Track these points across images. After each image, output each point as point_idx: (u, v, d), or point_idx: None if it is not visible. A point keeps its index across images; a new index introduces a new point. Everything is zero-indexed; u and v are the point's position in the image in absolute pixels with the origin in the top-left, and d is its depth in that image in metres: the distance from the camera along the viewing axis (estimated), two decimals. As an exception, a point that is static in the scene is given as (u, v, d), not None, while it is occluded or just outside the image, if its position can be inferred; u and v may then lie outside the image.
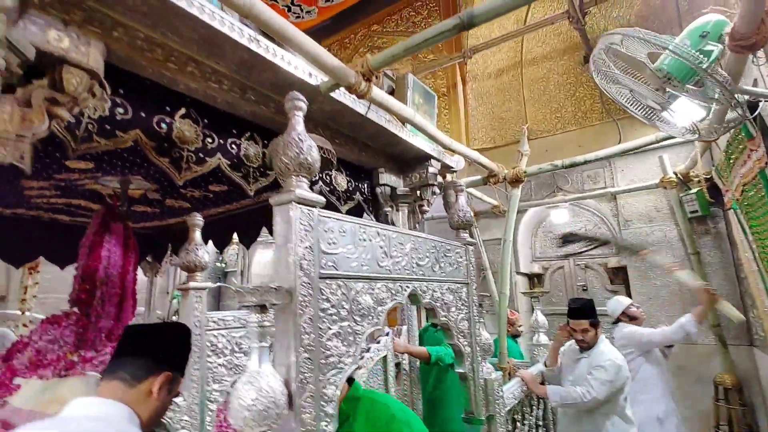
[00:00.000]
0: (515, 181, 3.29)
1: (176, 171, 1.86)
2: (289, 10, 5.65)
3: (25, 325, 4.31)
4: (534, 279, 5.35)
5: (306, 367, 1.04)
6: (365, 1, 6.12)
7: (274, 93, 2.11)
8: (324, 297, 1.16)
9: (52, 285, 5.68)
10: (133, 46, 1.59)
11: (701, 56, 1.70)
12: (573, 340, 2.88)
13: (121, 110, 1.69)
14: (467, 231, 2.14)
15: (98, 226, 3.19)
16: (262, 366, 0.97)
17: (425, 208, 3.19)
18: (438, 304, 1.73)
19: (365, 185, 3.11)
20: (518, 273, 5.20)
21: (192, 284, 1.89)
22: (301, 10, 5.72)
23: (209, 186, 3.02)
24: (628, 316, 3.41)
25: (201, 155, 1.96)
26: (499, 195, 4.95)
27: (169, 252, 4.61)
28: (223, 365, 1.85)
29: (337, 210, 2.98)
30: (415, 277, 1.60)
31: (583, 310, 2.83)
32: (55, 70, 1.38)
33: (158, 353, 1.09)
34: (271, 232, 3.66)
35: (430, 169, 3.10)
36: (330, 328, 1.17)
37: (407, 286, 1.54)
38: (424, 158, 3.12)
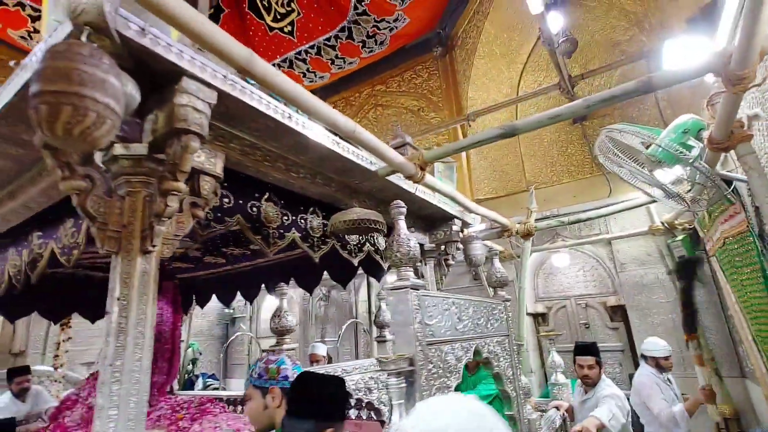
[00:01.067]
0: (527, 235, 3.72)
1: (266, 246, 2.20)
2: (304, 76, 6.20)
3: (58, 381, 4.39)
4: (539, 318, 5.70)
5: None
6: (370, 65, 6.75)
7: (337, 176, 2.52)
8: (429, 360, 1.50)
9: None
10: (241, 152, 1.98)
11: (685, 150, 2.18)
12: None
13: (226, 200, 2.05)
14: (503, 289, 2.51)
15: (151, 285, 3.44)
16: (402, 420, 1.29)
17: (450, 261, 3.56)
18: (492, 356, 2.07)
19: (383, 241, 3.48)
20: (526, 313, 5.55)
21: (285, 347, 2.19)
22: (315, 76, 6.29)
23: (249, 245, 3.35)
24: (654, 361, 3.39)
25: (281, 231, 2.32)
26: (503, 242, 5.38)
27: (194, 304, 4.84)
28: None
29: (381, 267, 3.33)
30: (477, 335, 1.95)
31: (589, 348, 3.18)
32: (194, 179, 1.74)
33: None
34: (298, 283, 3.96)
35: (454, 228, 3.50)
36: (434, 385, 1.50)
37: (472, 344, 1.89)
38: (448, 218, 3.53)
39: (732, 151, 2.07)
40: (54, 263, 2.38)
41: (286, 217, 2.39)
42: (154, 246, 1.46)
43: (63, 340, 4.53)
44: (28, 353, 5.65)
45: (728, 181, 2.45)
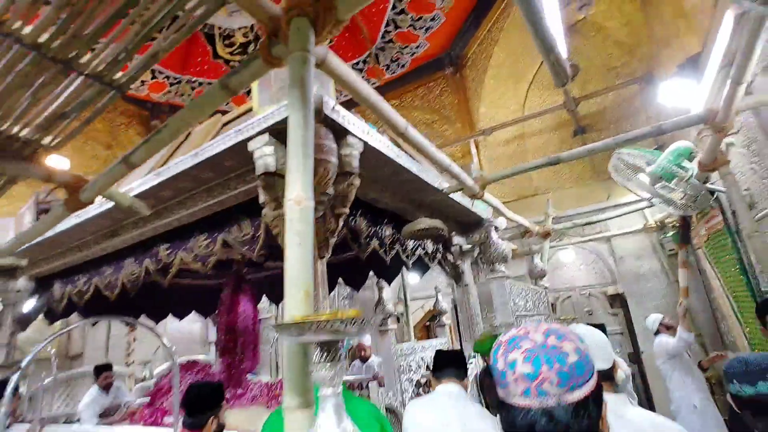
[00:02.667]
0: (546, 235, 4.42)
1: (360, 251, 2.82)
2: None
3: (131, 376, 4.90)
4: (549, 307, 6.42)
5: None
6: (387, 82, 7.39)
7: (410, 194, 3.15)
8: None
9: (117, 341, 6.25)
10: (363, 189, 2.59)
11: (681, 170, 2.89)
12: None
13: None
14: (542, 279, 3.18)
15: (233, 287, 4.03)
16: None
17: (485, 260, 4.22)
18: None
19: (441, 246, 4.13)
20: (535, 304, 6.28)
21: (389, 327, 2.81)
22: (341, 95, 6.89)
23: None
24: (665, 326, 4.01)
25: (368, 240, 2.93)
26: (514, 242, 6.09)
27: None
28: (408, 380, 2.75)
29: (427, 266, 3.98)
30: (534, 313, 2.62)
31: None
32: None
33: None
34: (346, 281, 4.60)
35: (487, 230, 4.17)
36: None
37: (532, 319, 2.56)
38: (482, 223, 4.18)
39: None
40: (183, 269, 2.97)
41: (370, 229, 3.01)
42: (327, 254, 2.07)
43: (133, 340, 5.03)
44: (85, 355, 6.11)
45: (711, 191, 3.18)
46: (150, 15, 1.23)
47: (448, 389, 1.83)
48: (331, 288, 5.16)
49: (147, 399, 4.39)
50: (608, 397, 1.28)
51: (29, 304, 4.12)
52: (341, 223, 2.06)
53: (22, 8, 1.17)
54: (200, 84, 7.13)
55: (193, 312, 5.42)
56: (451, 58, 7.17)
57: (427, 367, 3.25)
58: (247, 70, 1.30)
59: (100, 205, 2.73)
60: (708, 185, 3.08)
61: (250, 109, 2.38)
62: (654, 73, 4.86)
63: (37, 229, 2.21)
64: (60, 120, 1.65)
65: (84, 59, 1.38)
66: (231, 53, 6.29)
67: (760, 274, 2.64)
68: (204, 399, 1.91)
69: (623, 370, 3.25)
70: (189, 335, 8.13)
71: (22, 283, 4.04)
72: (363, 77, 6.79)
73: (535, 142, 6.56)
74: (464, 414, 1.73)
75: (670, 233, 5.01)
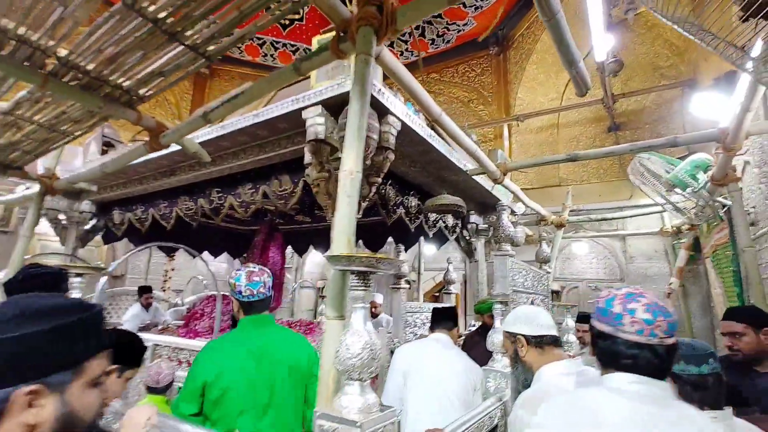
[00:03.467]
0: (559, 226, 4.64)
1: (387, 217, 3.16)
2: (402, 54, 6.94)
3: (166, 301, 5.53)
4: (553, 294, 6.70)
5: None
6: (429, 56, 7.46)
7: (436, 171, 3.42)
8: (514, 300, 2.48)
9: (156, 268, 6.92)
10: (395, 162, 2.89)
11: (694, 182, 3.06)
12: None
13: (370, 184, 2.99)
14: (547, 264, 3.46)
15: (266, 234, 4.47)
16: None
17: (497, 240, 4.50)
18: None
19: (460, 223, 4.42)
20: (541, 289, 6.57)
21: (401, 286, 3.19)
22: (411, 54, 7.00)
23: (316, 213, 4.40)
24: None
25: (395, 208, 3.26)
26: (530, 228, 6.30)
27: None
28: (412, 333, 3.15)
29: (445, 238, 4.31)
30: (533, 291, 2.93)
31: (587, 317, 4.19)
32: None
33: None
34: (366, 245, 5.00)
35: (499, 213, 4.42)
36: (514, 314, 2.49)
37: (530, 297, 2.87)
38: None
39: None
40: (230, 211, 3.39)
41: (398, 198, 3.33)
42: (358, 215, 2.42)
43: (171, 269, 5.63)
44: (126, 277, 6.83)
45: (723, 204, 3.34)
46: (248, 5, 1.54)
47: (436, 336, 2.23)
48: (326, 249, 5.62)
49: (181, 322, 5.02)
50: (557, 365, 1.63)
51: (90, 225, 4.69)
52: (373, 190, 2.39)
53: (152, -8, 1.50)
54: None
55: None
56: (497, 38, 7.16)
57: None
58: (317, 58, 1.61)
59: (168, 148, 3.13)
60: (721, 198, 3.24)
61: (302, 79, 2.68)
62: (697, 81, 4.83)
63: (119, 161, 2.63)
64: (157, 77, 2.00)
65: (188, 33, 1.71)
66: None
67: (746, 288, 2.85)
68: None
69: None
70: (215, 272, 8.84)
71: (85, 205, 4.59)
72: (406, 49, 6.93)
73: (568, 133, 6.61)
74: (443, 353, 2.13)
75: (683, 240, 5.14)
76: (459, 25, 6.14)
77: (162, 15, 1.61)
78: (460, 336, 3.24)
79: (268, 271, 2.05)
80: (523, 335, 1.62)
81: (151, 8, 1.57)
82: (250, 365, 1.65)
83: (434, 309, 2.36)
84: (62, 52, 1.85)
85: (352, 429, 0.97)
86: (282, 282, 4.51)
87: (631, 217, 5.16)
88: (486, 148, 7.11)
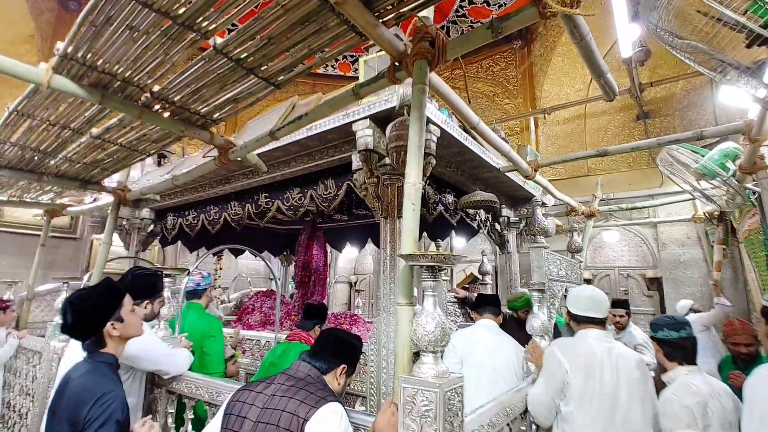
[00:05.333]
0: (590, 216, 4.77)
1: (428, 215, 3.41)
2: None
3: (217, 298, 5.98)
4: (584, 283, 6.80)
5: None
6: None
7: (470, 170, 3.65)
8: (550, 288, 2.70)
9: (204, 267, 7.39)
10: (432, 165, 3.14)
11: (723, 171, 3.17)
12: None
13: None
14: (579, 254, 3.64)
15: (309, 233, 4.80)
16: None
17: (529, 232, 4.68)
18: (572, 295, 3.24)
19: (491, 216, 4.63)
20: (572, 278, 6.68)
21: (441, 278, 3.44)
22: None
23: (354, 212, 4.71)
24: (693, 311, 4.61)
25: (434, 205, 3.51)
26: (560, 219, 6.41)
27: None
28: (453, 321, 3.40)
29: (476, 232, 4.53)
30: (566, 280, 3.13)
31: (621, 303, 4.32)
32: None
33: None
34: (374, 242, 5.38)
35: (533, 207, 4.60)
36: (553, 302, 2.71)
37: (564, 284, 3.07)
38: (530, 198, 4.61)
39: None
40: (280, 213, 3.71)
41: (437, 196, 3.57)
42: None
43: (219, 268, 6.07)
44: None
45: (753, 191, 3.42)
46: (317, 44, 1.82)
47: (483, 322, 2.49)
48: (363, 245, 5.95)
49: (233, 317, 5.44)
50: (598, 332, 1.91)
51: (149, 230, 5.15)
52: (417, 193, 2.65)
53: (240, 40, 1.80)
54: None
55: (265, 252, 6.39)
56: (520, 32, 7.23)
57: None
58: (375, 84, 1.87)
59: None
60: (750, 185, 3.32)
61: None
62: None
63: (192, 173, 2.99)
64: (230, 103, 2.32)
65: (263, 68, 2.00)
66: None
67: (778, 270, 2.96)
68: (315, 310, 2.68)
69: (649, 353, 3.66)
70: (255, 271, 9.34)
71: (145, 212, 5.04)
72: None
73: (595, 123, 6.65)
74: (493, 338, 2.39)
75: (716, 229, 5.16)
76: (482, 23, 6.26)
77: (242, 55, 1.91)
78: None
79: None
80: (569, 311, 2.09)
81: (237, 50, 1.87)
82: None
83: (479, 295, 2.62)
84: (155, 88, 2.18)
85: (432, 389, 1.25)
86: (326, 277, 4.83)
87: (662, 204, 5.22)
88: (514, 143, 7.25)
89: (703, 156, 3.33)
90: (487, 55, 7.63)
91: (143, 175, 5.00)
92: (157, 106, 2.28)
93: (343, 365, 1.59)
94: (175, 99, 2.24)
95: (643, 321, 6.29)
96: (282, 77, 2.07)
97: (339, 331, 1.80)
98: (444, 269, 2.21)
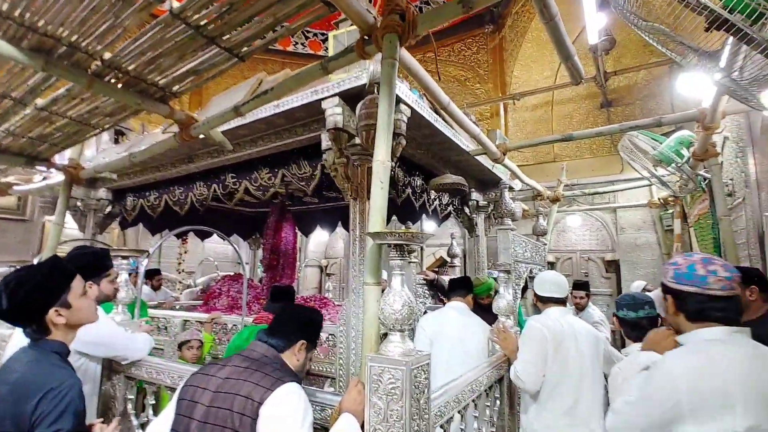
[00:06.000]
0: (555, 200, 4.91)
1: (398, 198, 3.40)
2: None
3: (181, 282, 5.80)
4: (549, 265, 7.05)
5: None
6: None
7: (440, 152, 3.65)
8: (516, 269, 2.77)
9: (168, 251, 7.14)
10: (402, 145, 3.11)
11: (678, 157, 3.33)
12: None
13: (381, 167, 3.22)
14: (544, 237, 3.74)
15: (278, 215, 4.71)
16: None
17: (497, 215, 4.77)
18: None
19: (459, 199, 4.67)
20: (537, 261, 6.92)
21: (411, 260, 3.45)
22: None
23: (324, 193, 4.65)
24: (646, 291, 4.69)
25: (403, 188, 3.50)
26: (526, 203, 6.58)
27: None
28: (422, 302, 3.44)
29: (447, 215, 4.57)
30: (531, 261, 3.22)
31: (582, 285, 4.52)
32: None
33: None
34: (344, 226, 5.39)
35: (501, 191, 4.67)
36: (518, 281, 2.78)
37: (529, 266, 3.16)
38: (498, 182, 4.68)
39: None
40: (248, 195, 3.60)
41: (406, 178, 3.56)
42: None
43: (184, 252, 5.87)
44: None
45: (704, 177, 3.61)
46: (283, 13, 1.73)
47: (452, 304, 2.54)
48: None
49: (199, 302, 5.29)
50: (561, 309, 1.98)
51: (106, 212, 4.88)
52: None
53: (198, 5, 1.68)
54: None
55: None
56: (492, 16, 7.24)
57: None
58: (343, 59, 1.81)
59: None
60: (702, 172, 3.51)
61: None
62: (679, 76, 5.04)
63: (150, 150, 2.83)
64: (191, 75, 2.19)
65: (225, 37, 1.89)
66: None
67: (723, 253, 3.15)
68: (282, 293, 2.63)
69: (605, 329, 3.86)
70: (223, 255, 9.11)
71: (102, 192, 4.77)
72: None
73: (562, 110, 6.81)
74: (461, 318, 2.45)
75: (671, 210, 5.45)
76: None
77: (203, 22, 1.79)
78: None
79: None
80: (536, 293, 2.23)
81: (195, 17, 1.75)
82: None
83: (451, 280, 2.66)
84: (106, 55, 2.03)
85: (399, 367, 1.25)
86: (295, 260, 4.77)
87: (621, 190, 5.45)
88: (484, 128, 7.30)
89: (660, 143, 3.47)
90: (459, 38, 7.61)
91: (99, 153, 4.71)
92: (109, 76, 2.12)
93: (302, 341, 1.50)
94: (130, 68, 2.09)
95: (601, 302, 6.63)
96: (246, 48, 1.96)
97: (296, 307, 1.74)
98: (413, 250, 2.23)
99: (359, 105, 2.39)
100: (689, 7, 1.46)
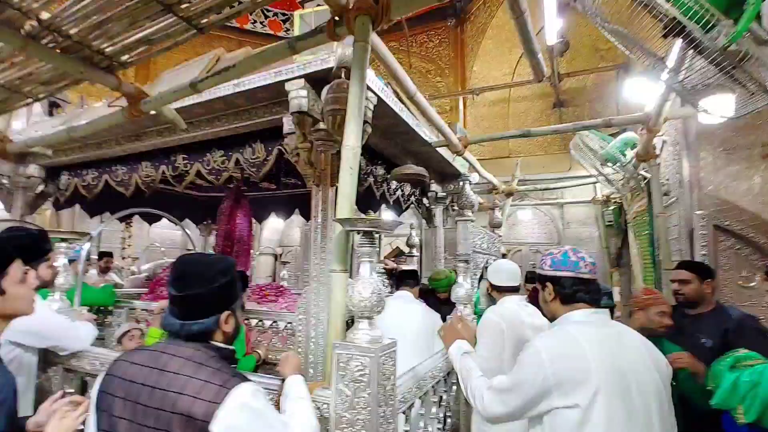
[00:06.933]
0: (509, 194, 5.11)
1: (359, 186, 3.36)
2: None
3: (125, 269, 5.43)
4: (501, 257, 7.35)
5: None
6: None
7: (403, 143, 3.65)
8: (474, 260, 2.85)
9: (110, 235, 6.65)
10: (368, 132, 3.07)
11: (622, 157, 3.56)
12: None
13: (344, 154, 3.17)
14: (497, 231, 3.88)
15: (232, 201, 4.52)
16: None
17: (455, 207, 4.88)
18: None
19: (419, 190, 4.72)
20: (489, 252, 7.19)
21: None
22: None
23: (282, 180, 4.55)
24: None
25: (365, 176, 3.47)
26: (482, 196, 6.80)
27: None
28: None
29: (408, 206, 4.60)
30: (487, 252, 3.33)
31: (534, 277, 4.78)
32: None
33: None
34: (302, 214, 5.31)
35: (461, 183, 4.78)
36: (476, 271, 2.87)
37: (485, 257, 3.27)
38: (458, 175, 4.78)
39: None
40: (200, 179, 3.41)
41: (368, 167, 3.53)
42: (336, 182, 2.60)
43: (126, 237, 5.50)
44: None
45: (643, 177, 3.90)
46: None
47: (399, 293, 2.61)
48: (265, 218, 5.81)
49: (144, 289, 4.98)
50: (516, 297, 2.07)
51: (38, 190, 4.43)
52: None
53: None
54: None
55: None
56: (455, 10, 7.32)
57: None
58: (312, 39, 1.75)
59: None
60: (642, 172, 3.79)
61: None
62: (630, 65, 5.38)
63: (94, 125, 2.60)
64: (143, 44, 2.02)
65: (183, 6, 1.77)
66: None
67: (657, 248, 3.45)
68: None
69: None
70: (171, 240, 8.63)
71: (33, 169, 4.32)
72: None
73: (517, 108, 7.07)
74: (405, 306, 2.54)
75: (612, 207, 5.87)
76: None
77: (160, -13, 1.66)
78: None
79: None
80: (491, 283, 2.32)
81: (150, -20, 1.61)
82: None
83: (400, 271, 2.71)
84: (44, 15, 1.82)
85: (367, 354, 1.24)
86: (250, 248, 4.61)
87: (569, 187, 5.78)
88: (444, 121, 7.37)
89: (608, 143, 3.69)
90: (423, 30, 7.64)
91: (30, 125, 4.27)
92: (47, 39, 1.91)
93: (227, 311, 1.20)
94: (71, 32, 1.90)
95: (547, 291, 7.02)
96: (206, 20, 1.84)
97: (197, 261, 1.26)
98: (380, 235, 2.22)
99: (326, 89, 2.31)
100: (648, 8, 1.55)
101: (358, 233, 1.38)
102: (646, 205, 3.98)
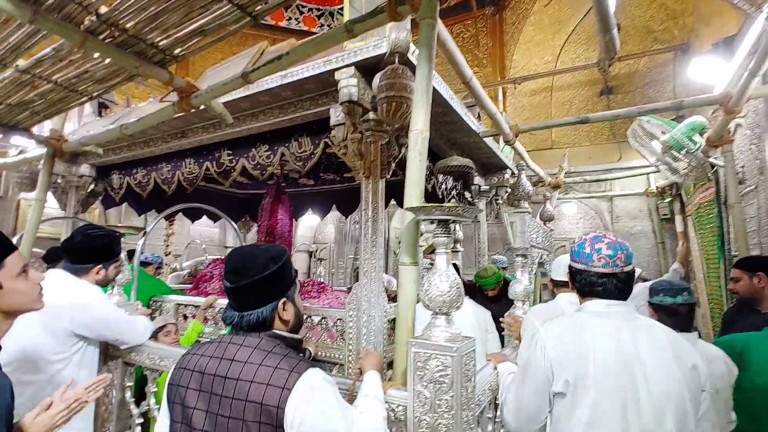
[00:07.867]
0: (555, 187, 4.86)
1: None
2: None
3: (168, 265, 5.57)
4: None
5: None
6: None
7: (448, 133, 3.52)
8: (531, 254, 2.69)
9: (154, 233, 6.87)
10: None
11: (690, 143, 3.28)
12: None
13: (390, 146, 3.07)
14: (551, 222, 3.68)
15: (273, 197, 4.52)
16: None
17: (499, 201, 4.70)
18: (546, 261, 3.29)
19: (462, 183, 4.57)
20: (531, 248, 6.92)
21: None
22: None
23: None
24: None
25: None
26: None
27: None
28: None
29: (451, 198, 4.46)
30: (542, 247, 3.15)
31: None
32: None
33: None
34: (339, 209, 5.22)
35: (506, 175, 4.60)
36: (533, 265, 2.71)
37: (539, 251, 3.09)
38: (503, 167, 4.60)
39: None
40: (243, 175, 3.41)
41: (413, 159, 3.43)
42: (387, 175, 2.51)
43: (171, 233, 5.63)
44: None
45: (712, 165, 3.59)
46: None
47: None
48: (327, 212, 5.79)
49: (188, 286, 5.08)
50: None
51: (90, 189, 4.60)
52: (402, 151, 2.48)
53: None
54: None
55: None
56: (493, -2, 7.07)
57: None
58: (372, 20, 1.65)
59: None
60: (711, 159, 3.48)
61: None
62: (691, 45, 4.99)
63: (144, 121, 2.62)
64: (196, 36, 1.99)
65: (239, -9, 1.71)
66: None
67: (732, 241, 3.15)
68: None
69: None
70: (209, 238, 8.85)
71: (84, 169, 4.48)
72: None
73: (561, 97, 6.74)
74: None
75: (667, 200, 5.48)
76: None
77: (215, -28, 1.61)
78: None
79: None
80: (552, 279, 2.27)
81: (206, -35, 1.56)
82: None
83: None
84: (102, 9, 1.82)
85: (449, 354, 1.14)
86: (290, 244, 4.61)
87: (619, 178, 5.45)
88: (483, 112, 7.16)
89: (672, 129, 3.42)
90: (458, 20, 7.41)
91: (81, 126, 4.42)
92: (104, 34, 1.91)
93: (283, 299, 1.18)
94: (128, 26, 1.88)
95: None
96: (260, 6, 1.78)
97: (250, 254, 1.22)
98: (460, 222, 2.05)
99: (379, 75, 2.22)
100: None
101: (432, 222, 1.27)
102: (713, 195, 3.66)
